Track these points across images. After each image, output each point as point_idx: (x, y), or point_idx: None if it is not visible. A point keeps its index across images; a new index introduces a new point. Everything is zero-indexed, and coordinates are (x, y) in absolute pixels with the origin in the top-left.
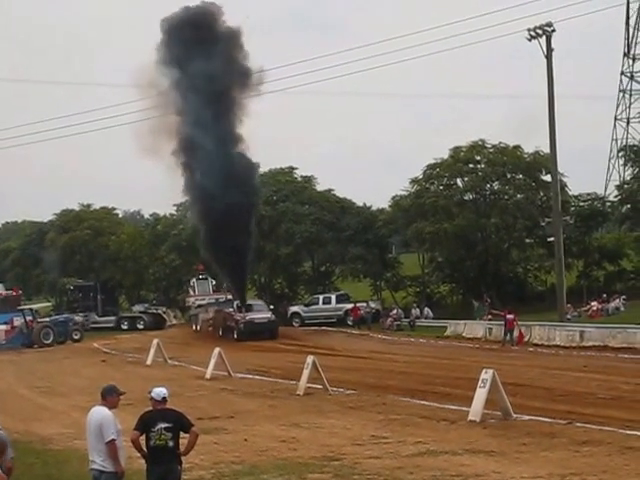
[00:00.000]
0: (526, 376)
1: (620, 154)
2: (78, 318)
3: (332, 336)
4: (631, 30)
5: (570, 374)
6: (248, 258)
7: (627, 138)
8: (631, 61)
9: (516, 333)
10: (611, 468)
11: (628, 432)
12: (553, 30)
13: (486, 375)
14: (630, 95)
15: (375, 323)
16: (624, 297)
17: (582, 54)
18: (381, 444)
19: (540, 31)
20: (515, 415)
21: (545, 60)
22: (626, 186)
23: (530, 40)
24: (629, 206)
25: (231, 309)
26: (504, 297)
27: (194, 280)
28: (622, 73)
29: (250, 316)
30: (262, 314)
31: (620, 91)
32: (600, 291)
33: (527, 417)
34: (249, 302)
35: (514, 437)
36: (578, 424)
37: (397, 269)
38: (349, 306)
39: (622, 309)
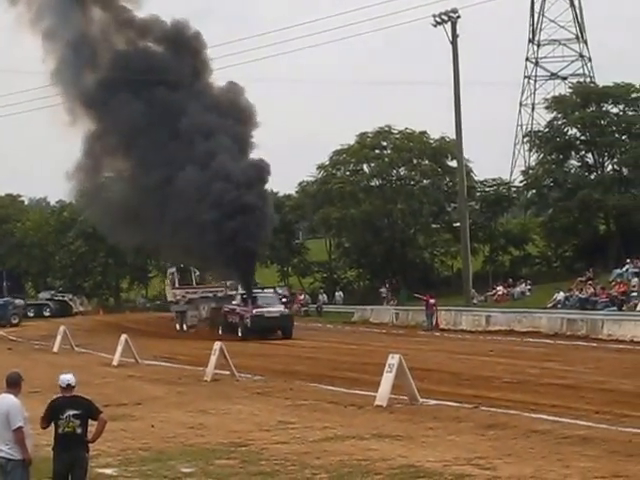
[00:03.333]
0: (433, 361)
1: (525, 140)
2: (19, 302)
3: None
4: (536, 16)
5: (476, 358)
6: (260, 239)
7: (532, 124)
8: (536, 47)
9: (435, 318)
10: (516, 451)
11: (533, 415)
12: (458, 16)
13: (393, 360)
14: (535, 81)
15: None
16: (529, 282)
17: (487, 40)
18: (288, 430)
19: (445, 17)
20: (422, 400)
21: (450, 46)
22: (531, 171)
23: (435, 26)
24: (534, 191)
25: (235, 302)
26: (410, 282)
27: (173, 270)
28: (527, 59)
29: (258, 310)
30: (273, 307)
31: (525, 77)
32: (506, 276)
33: (434, 402)
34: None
35: (421, 421)
36: (484, 408)
37: (304, 255)
38: None
39: (527, 294)
